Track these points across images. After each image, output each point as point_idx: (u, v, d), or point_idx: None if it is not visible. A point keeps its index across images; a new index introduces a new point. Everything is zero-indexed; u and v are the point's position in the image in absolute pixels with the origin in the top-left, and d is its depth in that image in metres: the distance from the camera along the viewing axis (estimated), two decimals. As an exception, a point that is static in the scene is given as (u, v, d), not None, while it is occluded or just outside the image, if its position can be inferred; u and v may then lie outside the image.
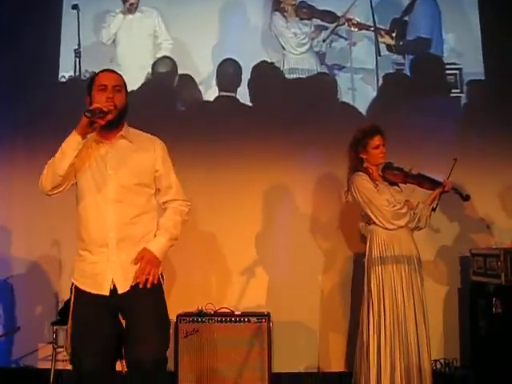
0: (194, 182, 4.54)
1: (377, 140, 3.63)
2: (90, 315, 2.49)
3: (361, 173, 3.65)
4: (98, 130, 2.48)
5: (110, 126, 2.48)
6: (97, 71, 2.49)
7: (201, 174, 4.59)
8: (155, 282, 2.51)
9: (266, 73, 4.80)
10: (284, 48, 4.86)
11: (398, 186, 3.75)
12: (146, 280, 2.48)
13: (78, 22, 4.82)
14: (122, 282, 2.49)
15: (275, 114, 4.71)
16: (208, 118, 4.72)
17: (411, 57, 4.81)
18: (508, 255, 3.85)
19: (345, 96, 4.82)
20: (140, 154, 2.56)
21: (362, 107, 4.77)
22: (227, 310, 4.31)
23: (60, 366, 4.43)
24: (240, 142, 4.64)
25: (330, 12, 4.88)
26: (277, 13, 4.87)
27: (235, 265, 4.62)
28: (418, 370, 3.47)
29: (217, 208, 4.64)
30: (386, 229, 3.60)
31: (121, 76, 2.59)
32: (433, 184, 3.66)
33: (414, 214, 3.63)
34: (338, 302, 4.55)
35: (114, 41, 4.87)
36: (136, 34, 4.89)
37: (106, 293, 2.47)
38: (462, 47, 4.77)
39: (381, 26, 4.84)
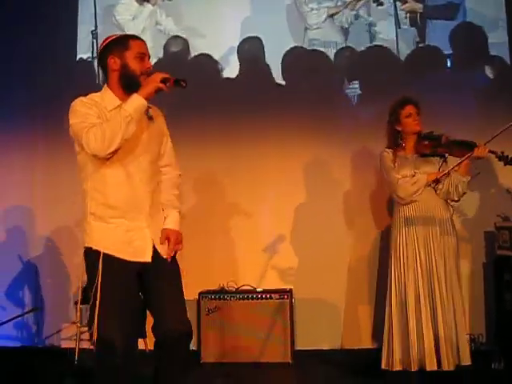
0: (217, 157, 4.59)
1: (408, 109, 3.59)
2: (123, 285, 2.38)
3: (386, 149, 3.66)
4: (126, 96, 2.41)
5: None
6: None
7: (223, 149, 4.62)
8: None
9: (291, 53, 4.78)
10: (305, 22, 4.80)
11: (440, 156, 3.62)
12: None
13: (95, 3, 4.83)
14: (161, 247, 2.47)
15: (300, 88, 4.73)
16: (230, 95, 4.70)
17: (436, 25, 4.69)
18: (534, 226, 3.76)
19: (367, 70, 4.73)
20: (158, 127, 2.57)
21: (385, 82, 4.65)
22: (249, 287, 4.31)
23: (84, 345, 4.53)
24: (265, 116, 4.62)
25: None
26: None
27: (258, 242, 4.60)
28: (449, 340, 3.42)
29: (239, 184, 4.65)
30: (399, 203, 3.59)
31: None
32: (464, 149, 3.43)
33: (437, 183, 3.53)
34: (364, 279, 4.50)
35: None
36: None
37: (149, 259, 2.43)
38: (484, 15, 4.64)
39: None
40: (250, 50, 4.76)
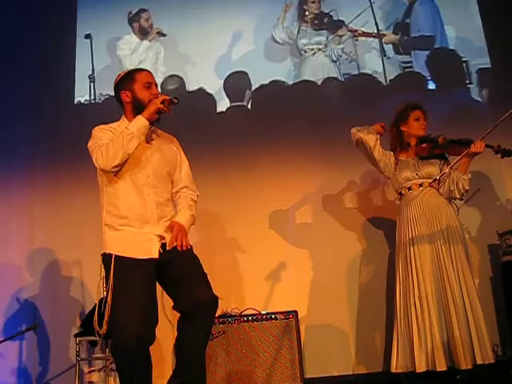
0: (214, 188, 4.60)
1: (418, 112, 3.69)
2: (135, 281, 2.59)
3: (388, 152, 3.73)
4: None
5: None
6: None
7: (219, 180, 4.67)
8: (188, 246, 2.68)
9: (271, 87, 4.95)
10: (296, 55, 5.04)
11: (443, 158, 3.66)
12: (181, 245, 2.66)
13: (92, 49, 5.05)
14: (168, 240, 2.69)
15: (283, 118, 4.85)
16: (222, 127, 4.80)
17: (418, 53, 4.92)
18: (536, 225, 3.74)
19: (357, 100, 4.87)
20: (168, 147, 2.87)
21: (375, 110, 4.76)
22: (254, 312, 4.19)
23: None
24: (253, 147, 4.71)
25: (339, 21, 5.07)
26: (294, 23, 5.09)
27: (262, 270, 4.53)
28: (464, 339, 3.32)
29: (239, 216, 4.64)
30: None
31: None
32: (461, 147, 3.47)
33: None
34: (373, 302, 4.38)
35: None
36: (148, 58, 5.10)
37: (156, 255, 2.65)
38: (465, 39, 4.87)
39: (384, 32, 5.00)
40: (236, 84, 4.94)
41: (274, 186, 4.67)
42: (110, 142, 2.64)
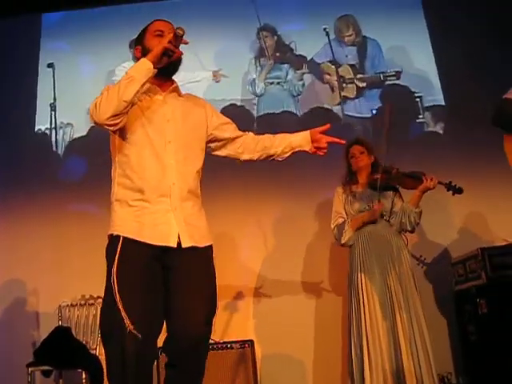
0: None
1: (351, 150, 3.81)
2: (141, 269, 2.19)
3: (338, 187, 3.82)
4: (155, 78, 2.30)
5: (168, 73, 2.37)
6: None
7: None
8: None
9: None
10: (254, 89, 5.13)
11: (395, 190, 3.73)
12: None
13: (54, 78, 5.08)
14: (187, 236, 2.26)
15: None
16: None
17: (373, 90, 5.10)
18: (485, 252, 3.83)
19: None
20: (193, 109, 2.47)
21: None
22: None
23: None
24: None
25: (301, 57, 5.21)
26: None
27: (218, 298, 4.50)
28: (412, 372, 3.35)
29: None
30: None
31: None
32: (414, 180, 3.57)
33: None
34: (329, 332, 4.38)
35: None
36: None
37: (174, 244, 2.23)
38: (421, 76, 5.07)
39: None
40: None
41: (227, 216, 4.68)
42: (105, 90, 2.22)
